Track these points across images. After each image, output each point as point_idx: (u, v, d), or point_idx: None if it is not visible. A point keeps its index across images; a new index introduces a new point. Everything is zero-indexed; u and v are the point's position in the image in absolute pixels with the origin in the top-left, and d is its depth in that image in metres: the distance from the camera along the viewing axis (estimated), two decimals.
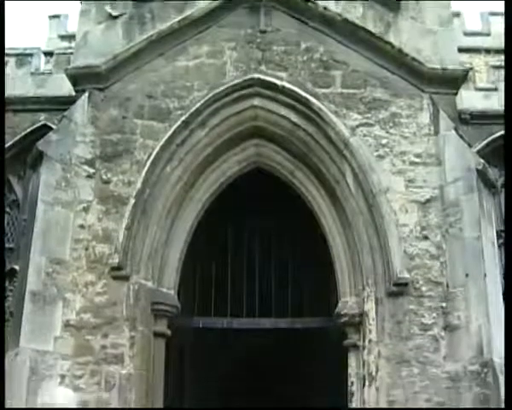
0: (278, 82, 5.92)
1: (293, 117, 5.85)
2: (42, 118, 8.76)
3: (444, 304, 5.51)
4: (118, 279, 5.66)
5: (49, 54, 9.71)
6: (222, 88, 5.93)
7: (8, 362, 5.45)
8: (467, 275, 5.49)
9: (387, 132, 5.87)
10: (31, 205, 5.90)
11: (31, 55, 9.54)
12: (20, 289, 5.77)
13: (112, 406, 5.40)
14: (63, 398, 5.43)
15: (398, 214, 5.65)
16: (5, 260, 6.49)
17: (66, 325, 5.66)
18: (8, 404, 5.23)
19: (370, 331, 5.45)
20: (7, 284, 6.40)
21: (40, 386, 5.48)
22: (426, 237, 5.65)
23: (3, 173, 6.68)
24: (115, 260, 5.62)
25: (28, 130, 8.78)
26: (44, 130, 7.76)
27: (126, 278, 5.63)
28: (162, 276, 5.78)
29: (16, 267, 6.09)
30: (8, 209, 8.34)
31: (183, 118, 5.85)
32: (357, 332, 5.57)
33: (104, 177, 5.93)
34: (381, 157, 5.82)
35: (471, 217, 5.58)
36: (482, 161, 5.74)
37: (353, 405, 5.48)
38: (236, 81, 5.96)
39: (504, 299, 5.27)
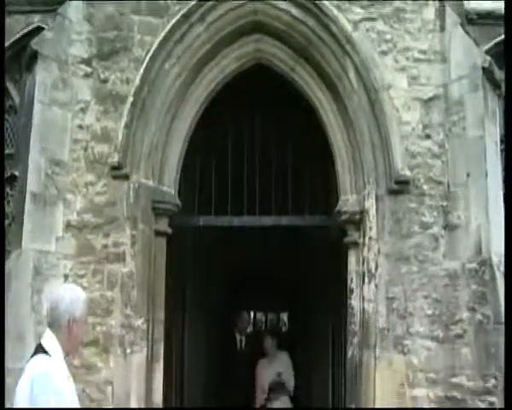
0: None
1: (294, 11, 5.65)
2: (36, 20, 8.52)
3: (444, 203, 5.50)
4: (118, 179, 5.63)
5: None
6: None
7: (12, 263, 5.52)
8: (468, 175, 5.46)
9: (391, 28, 5.68)
10: (27, 107, 5.80)
11: None
12: (20, 192, 5.76)
13: (116, 302, 5.50)
14: None
15: (400, 112, 5.56)
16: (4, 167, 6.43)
17: (68, 225, 5.68)
18: (11, 306, 5.34)
19: (370, 229, 5.46)
20: (7, 190, 6.37)
21: (44, 286, 5.57)
22: (428, 136, 5.58)
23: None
24: (115, 159, 5.58)
25: (22, 32, 8.56)
26: (39, 32, 7.53)
27: (126, 177, 5.60)
28: (162, 174, 5.74)
29: (16, 173, 6.04)
30: (6, 116, 8.26)
31: (182, 12, 5.66)
32: (357, 230, 5.57)
33: (102, 76, 5.79)
34: (383, 53, 5.65)
35: (475, 116, 5.48)
36: (489, 58, 5.58)
37: (352, 301, 5.54)
38: None
39: (504, 198, 5.27)
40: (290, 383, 7.95)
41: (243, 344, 8.85)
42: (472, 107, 5.52)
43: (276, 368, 7.89)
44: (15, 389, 3.70)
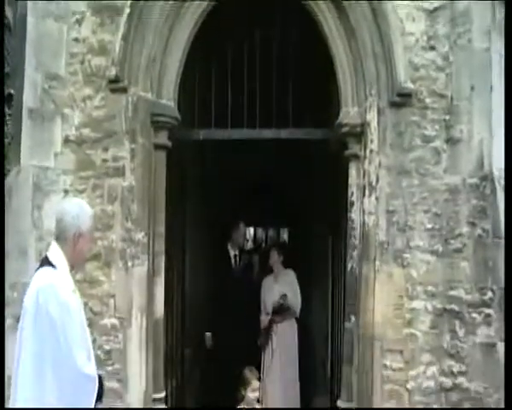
0: None
1: None
2: None
3: (447, 117, 5.42)
4: (116, 92, 5.54)
5: None
6: None
7: (11, 180, 5.52)
8: (472, 88, 5.38)
9: None
10: (21, 21, 5.68)
11: None
12: (17, 109, 5.72)
13: (116, 217, 5.52)
14: None
15: (404, 22, 5.39)
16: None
17: (66, 140, 5.64)
18: (12, 223, 5.36)
19: (372, 141, 5.41)
20: (6, 110, 6.32)
21: (44, 202, 5.58)
22: (432, 48, 5.44)
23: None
24: (112, 72, 5.47)
25: None
26: None
27: (124, 91, 5.50)
28: (161, 87, 5.63)
29: (12, 91, 5.98)
30: None
31: None
32: (358, 143, 5.51)
33: None
34: None
35: (481, 27, 5.35)
36: None
37: (353, 215, 5.54)
38: None
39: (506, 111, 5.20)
40: (296, 304, 7.63)
41: (238, 261, 8.32)
42: (478, 18, 5.38)
43: (281, 288, 7.62)
44: (22, 302, 3.78)
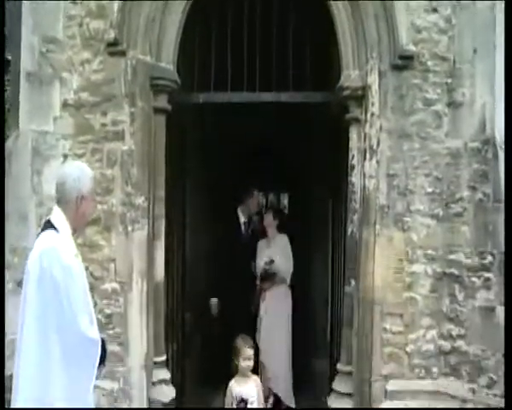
0: None
1: None
2: None
3: (449, 80, 5.39)
4: (114, 55, 5.48)
5: None
6: None
7: (10, 145, 5.49)
8: (475, 51, 5.32)
9: None
10: None
11: None
12: (14, 73, 5.67)
13: (116, 181, 5.51)
14: None
15: None
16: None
17: (65, 104, 5.62)
18: (12, 188, 5.35)
19: (373, 105, 5.37)
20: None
21: (44, 167, 5.57)
22: (435, 10, 5.38)
23: None
24: (111, 35, 5.41)
25: None
26: None
27: (123, 54, 5.45)
28: (160, 50, 5.57)
29: (9, 57, 5.91)
30: None
31: None
32: (359, 106, 5.47)
33: None
34: None
35: None
36: None
37: (353, 178, 5.54)
38: None
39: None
40: (286, 270, 7.40)
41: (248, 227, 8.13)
42: None
43: (271, 253, 7.41)
44: (23, 266, 3.79)
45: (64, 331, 3.56)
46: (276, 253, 7.43)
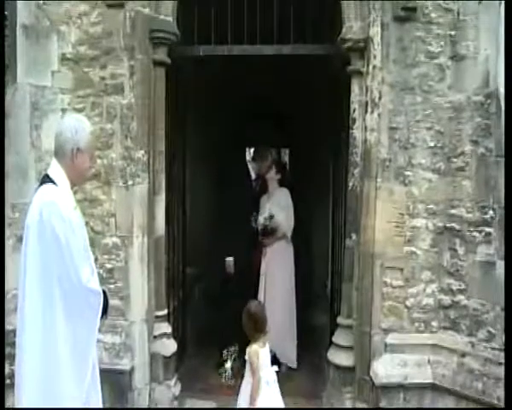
0: None
1: None
2: None
3: (452, 32, 5.28)
4: (113, 7, 5.40)
5: None
6: None
7: (8, 99, 5.43)
8: (479, 2, 5.20)
9: None
10: None
11: None
12: (11, 27, 5.55)
13: (116, 135, 5.47)
14: None
15: None
16: None
17: (63, 58, 5.55)
18: (11, 143, 5.31)
19: (375, 57, 5.28)
20: None
21: (43, 121, 5.53)
22: None
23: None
24: None
25: None
26: None
27: (121, 6, 5.36)
28: (159, 2, 5.50)
29: (6, 13, 5.80)
30: None
31: None
32: (361, 58, 5.40)
33: None
34: None
35: None
36: None
37: (354, 132, 5.49)
38: None
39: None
40: (287, 225, 7.25)
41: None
42: None
43: (271, 207, 7.27)
44: (23, 222, 3.79)
45: (66, 283, 3.59)
46: (275, 207, 7.30)
